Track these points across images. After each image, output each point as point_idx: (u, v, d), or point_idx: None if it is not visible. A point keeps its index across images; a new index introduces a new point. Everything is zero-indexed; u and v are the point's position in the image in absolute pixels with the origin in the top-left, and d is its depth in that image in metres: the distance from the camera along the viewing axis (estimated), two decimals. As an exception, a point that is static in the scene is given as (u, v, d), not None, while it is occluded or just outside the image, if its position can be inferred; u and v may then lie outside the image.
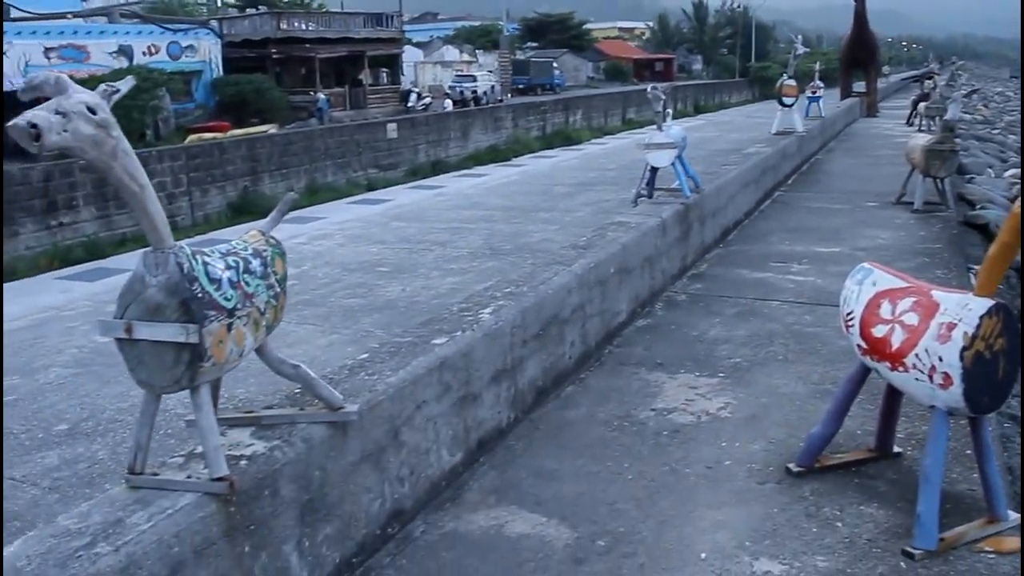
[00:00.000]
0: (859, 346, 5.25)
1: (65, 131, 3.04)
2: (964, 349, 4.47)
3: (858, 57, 42.10)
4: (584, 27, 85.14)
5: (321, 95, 41.96)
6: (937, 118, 25.62)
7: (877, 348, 5.03)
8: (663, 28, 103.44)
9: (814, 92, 28.15)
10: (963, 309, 4.54)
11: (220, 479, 3.66)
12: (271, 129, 34.74)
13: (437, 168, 34.95)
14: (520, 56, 67.65)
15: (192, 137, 32.17)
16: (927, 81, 40.88)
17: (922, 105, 32.35)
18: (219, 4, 59.65)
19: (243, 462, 3.93)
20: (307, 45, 44.76)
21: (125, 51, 37.61)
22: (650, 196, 11.66)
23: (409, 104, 47.14)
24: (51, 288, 16.37)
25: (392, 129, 34.35)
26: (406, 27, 57.52)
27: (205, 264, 3.65)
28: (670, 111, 11.96)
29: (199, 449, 3.83)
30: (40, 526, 3.90)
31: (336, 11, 54.31)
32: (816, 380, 7.23)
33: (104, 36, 37.55)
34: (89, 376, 9.71)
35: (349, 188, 30.02)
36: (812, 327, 8.70)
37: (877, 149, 25.74)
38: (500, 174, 29.65)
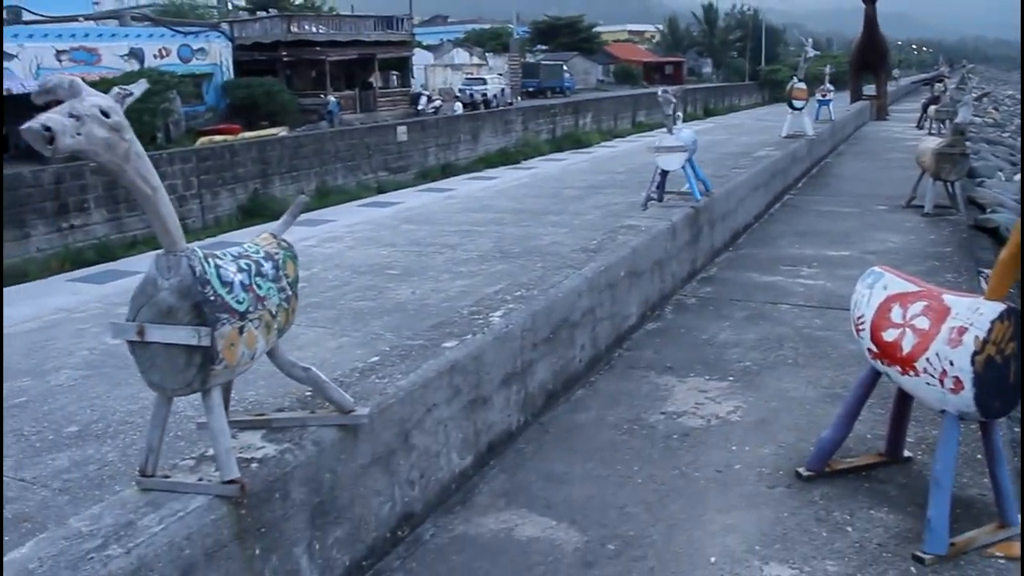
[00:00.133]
0: (870, 350, 5.24)
1: (79, 134, 3.05)
2: (975, 353, 4.45)
3: (868, 60, 42.00)
4: (594, 30, 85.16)
5: (331, 98, 42.03)
6: (947, 121, 25.59)
7: (888, 352, 5.02)
8: (673, 31, 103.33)
9: (824, 95, 28.07)
10: (974, 313, 4.53)
11: (231, 482, 3.67)
12: (281, 132, 34.85)
13: (447, 171, 35.02)
14: (530, 59, 67.66)
15: (203, 140, 32.28)
16: (937, 84, 40.84)
17: (932, 108, 32.32)
18: (230, 7, 59.83)
19: (254, 465, 3.93)
20: (317, 48, 44.83)
21: (136, 54, 37.75)
22: (660, 199, 11.64)
23: (419, 107, 47.20)
24: (62, 290, 16.46)
25: (402, 132, 34.42)
26: (416, 30, 57.52)
27: (217, 267, 3.66)
28: (680, 114, 11.97)
29: (210, 452, 3.84)
30: (51, 528, 3.91)
31: (347, 14, 54.36)
32: (826, 384, 7.21)
33: (115, 39, 37.70)
34: (100, 378, 9.75)
35: (359, 191, 30.11)
36: (822, 331, 8.68)
37: (887, 152, 25.68)
38: (510, 177, 29.68)
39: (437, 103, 47.90)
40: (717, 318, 9.27)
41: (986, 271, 10.34)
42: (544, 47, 78.39)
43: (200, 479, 3.75)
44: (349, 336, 10.70)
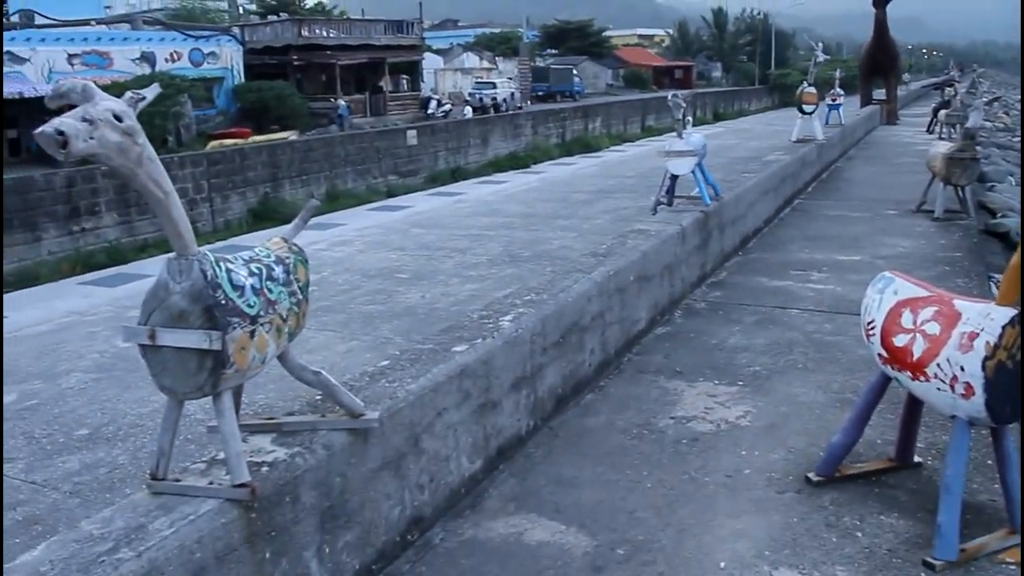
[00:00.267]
0: (880, 355, 5.23)
1: (91, 138, 3.06)
2: (986, 359, 4.44)
3: (878, 64, 41.91)
4: (604, 34, 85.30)
5: (341, 102, 42.17)
6: (958, 126, 25.56)
7: (898, 357, 5.01)
8: (682, 35, 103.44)
9: (834, 99, 28.04)
10: (985, 318, 4.52)
11: (242, 485, 3.67)
12: (292, 135, 34.95)
13: (456, 175, 35.11)
14: (540, 63, 67.77)
15: (213, 143, 32.43)
16: (948, 88, 40.71)
17: (943, 113, 32.26)
18: (241, 11, 60.13)
19: (264, 468, 3.94)
20: (328, 52, 45.00)
21: (148, 58, 37.96)
22: (670, 204, 11.63)
23: (429, 111, 47.30)
24: (73, 293, 16.51)
25: (412, 136, 34.50)
26: (426, 34, 57.67)
27: (228, 271, 3.67)
28: (690, 118, 11.96)
29: (221, 455, 3.85)
30: (62, 530, 3.93)
31: (357, 18, 54.61)
32: (836, 389, 7.19)
33: (127, 43, 37.92)
34: (110, 381, 9.77)
35: (369, 194, 30.19)
36: (832, 335, 8.66)
37: (897, 157, 25.61)
38: (519, 181, 29.67)
39: (447, 107, 48.00)
40: (727, 323, 9.26)
41: (997, 276, 10.30)
42: (554, 51, 78.53)
43: (211, 483, 3.75)
44: (359, 340, 10.71)
